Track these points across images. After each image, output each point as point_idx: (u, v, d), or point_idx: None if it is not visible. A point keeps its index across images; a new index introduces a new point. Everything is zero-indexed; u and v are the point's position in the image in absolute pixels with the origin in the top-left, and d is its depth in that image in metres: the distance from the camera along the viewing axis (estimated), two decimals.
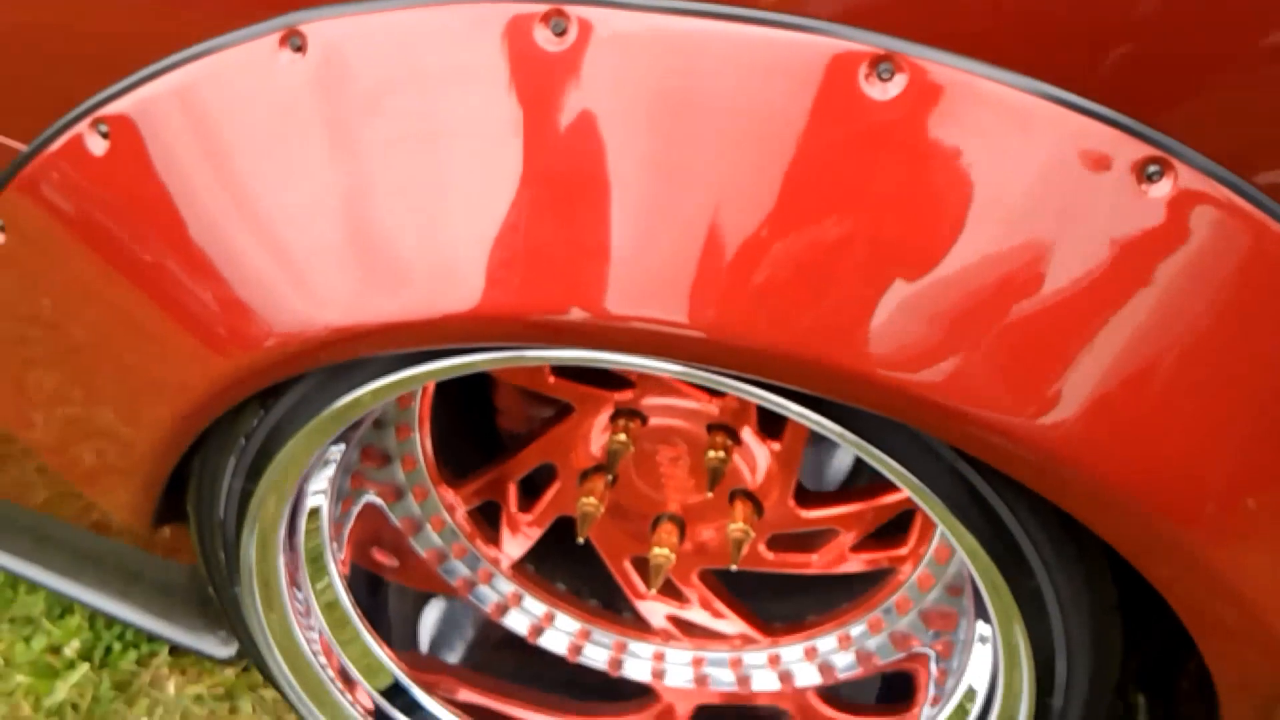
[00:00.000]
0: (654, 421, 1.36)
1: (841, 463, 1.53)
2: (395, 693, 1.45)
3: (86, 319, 1.22)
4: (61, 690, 1.70)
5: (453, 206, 0.97)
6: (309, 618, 1.36)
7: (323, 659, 1.38)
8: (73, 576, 1.73)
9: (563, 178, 0.93)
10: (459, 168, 0.97)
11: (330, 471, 1.33)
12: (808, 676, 1.54)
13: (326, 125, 1.03)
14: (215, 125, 1.08)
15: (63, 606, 1.81)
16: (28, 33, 1.15)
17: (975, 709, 1.26)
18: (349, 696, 1.41)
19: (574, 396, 1.35)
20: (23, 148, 1.20)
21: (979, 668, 1.27)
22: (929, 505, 1.05)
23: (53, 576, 1.74)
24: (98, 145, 1.14)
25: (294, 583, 1.33)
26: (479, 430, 1.53)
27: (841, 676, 1.47)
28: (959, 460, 1.03)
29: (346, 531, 1.39)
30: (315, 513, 1.34)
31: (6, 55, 1.17)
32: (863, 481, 1.50)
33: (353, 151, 1.03)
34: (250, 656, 1.42)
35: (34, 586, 1.83)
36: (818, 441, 1.45)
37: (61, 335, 1.25)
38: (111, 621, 1.79)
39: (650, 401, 1.35)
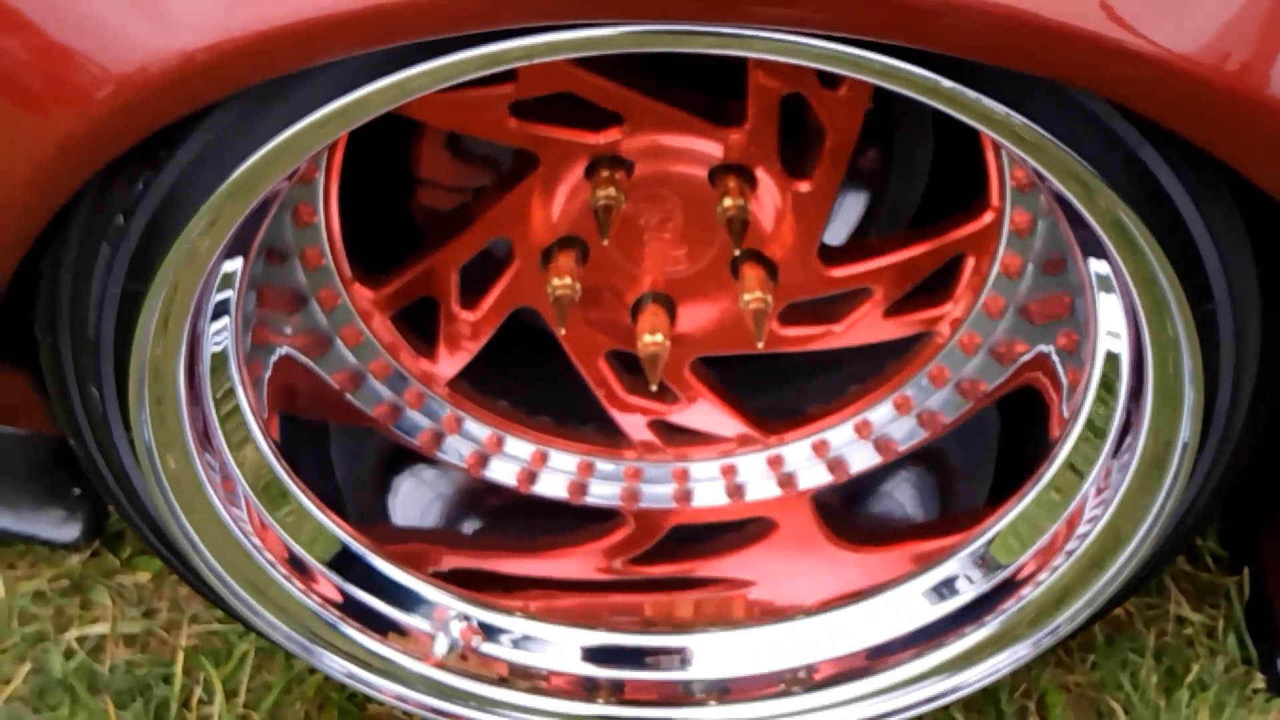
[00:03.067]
0: (642, 170, 1.09)
1: (851, 212, 1.28)
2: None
3: None
4: None
5: None
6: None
7: (256, 539, 1.06)
8: None
9: None
10: None
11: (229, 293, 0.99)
12: (814, 477, 1.30)
13: None
14: None
15: None
16: None
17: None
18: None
19: (541, 142, 1.05)
20: None
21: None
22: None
23: None
24: None
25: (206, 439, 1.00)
26: (395, 214, 1.21)
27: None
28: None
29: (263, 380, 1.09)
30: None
31: None
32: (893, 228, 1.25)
33: None
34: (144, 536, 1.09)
35: None
36: None
37: None
38: None
39: (639, 142, 1.07)
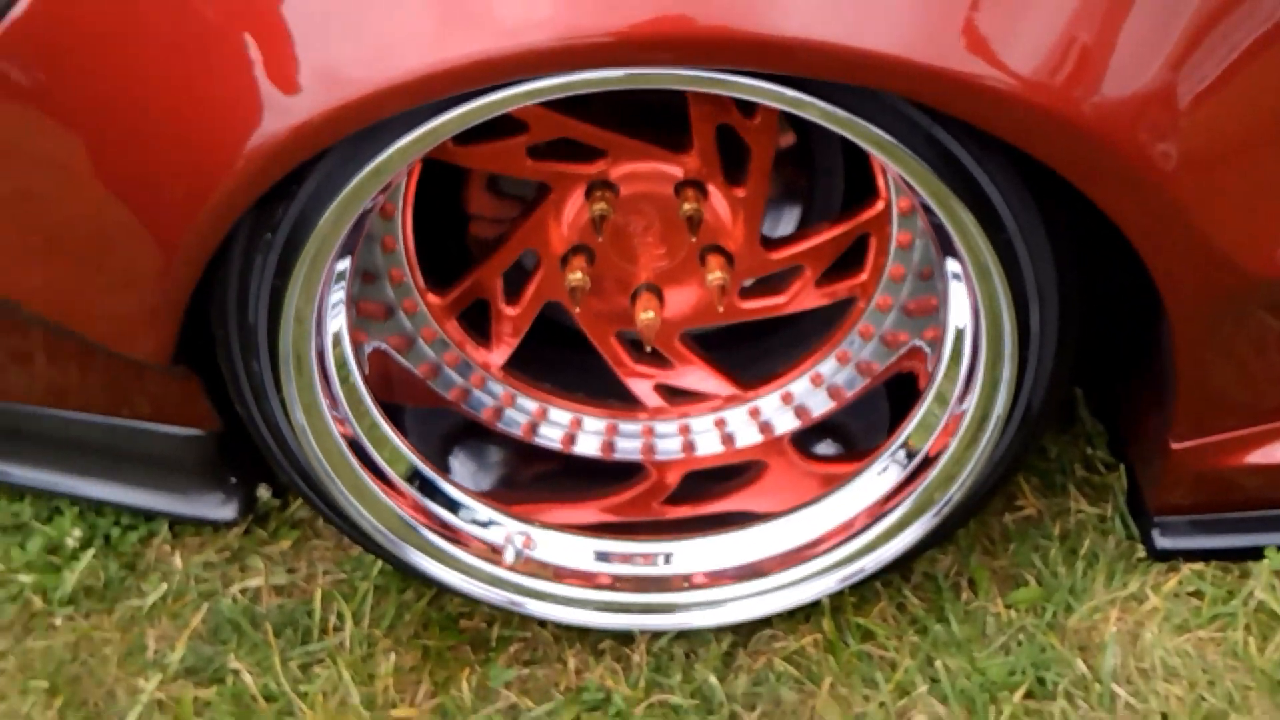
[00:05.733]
0: (625, 191, 1.47)
1: (790, 215, 1.67)
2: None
3: (83, 156, 1.27)
4: (70, 580, 1.73)
5: None
6: (338, 409, 1.44)
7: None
8: (54, 469, 1.78)
9: None
10: None
11: (341, 293, 1.41)
12: (785, 422, 1.67)
13: None
14: None
15: (50, 509, 1.83)
16: None
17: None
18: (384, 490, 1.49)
19: (550, 175, 1.45)
20: None
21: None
22: (911, 173, 1.20)
23: (35, 473, 1.78)
24: None
25: (325, 375, 1.41)
26: (455, 241, 1.63)
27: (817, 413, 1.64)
28: (935, 125, 1.18)
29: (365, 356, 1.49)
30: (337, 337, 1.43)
31: None
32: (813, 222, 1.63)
33: None
34: (288, 475, 1.48)
35: (17, 494, 1.84)
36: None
37: (60, 181, 1.30)
38: (103, 509, 1.80)
39: (621, 170, 1.46)
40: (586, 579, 1.56)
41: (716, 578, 1.55)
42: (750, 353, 1.70)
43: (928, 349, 1.55)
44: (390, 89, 1.14)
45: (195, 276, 1.30)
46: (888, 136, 1.22)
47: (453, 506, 1.53)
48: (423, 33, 1.13)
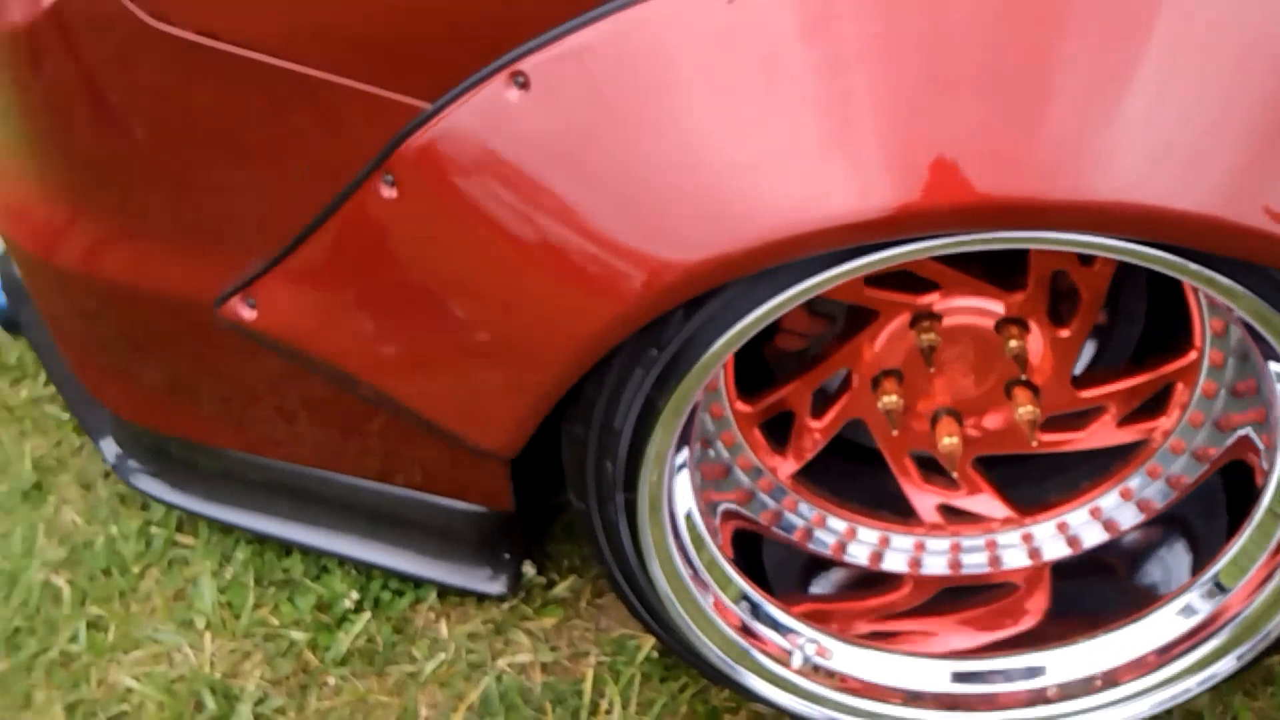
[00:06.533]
0: (948, 322, 1.52)
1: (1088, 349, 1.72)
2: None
3: (488, 260, 1.34)
4: (344, 641, 1.80)
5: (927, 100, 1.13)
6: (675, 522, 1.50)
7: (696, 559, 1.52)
8: (332, 530, 1.85)
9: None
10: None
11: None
12: (1056, 550, 1.72)
13: (776, 55, 1.18)
14: (649, 68, 1.22)
15: (318, 567, 1.90)
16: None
17: None
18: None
19: (884, 303, 1.51)
20: (424, 105, 1.32)
21: None
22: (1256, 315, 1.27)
23: (313, 532, 1.85)
24: (513, 95, 1.27)
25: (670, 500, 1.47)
26: (763, 350, 1.69)
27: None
28: None
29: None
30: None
31: (411, 20, 1.28)
32: (1118, 361, 1.68)
33: (783, 77, 1.18)
34: (616, 575, 1.54)
35: (285, 549, 1.92)
36: None
37: (453, 280, 1.37)
38: (372, 571, 1.87)
39: (950, 303, 1.51)
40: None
41: None
42: (1031, 478, 1.73)
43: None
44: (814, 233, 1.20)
45: (570, 385, 1.36)
46: (1246, 290, 1.25)
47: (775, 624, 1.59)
48: (842, 185, 1.19)
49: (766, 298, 1.27)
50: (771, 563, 1.71)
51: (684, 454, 1.50)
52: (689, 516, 1.54)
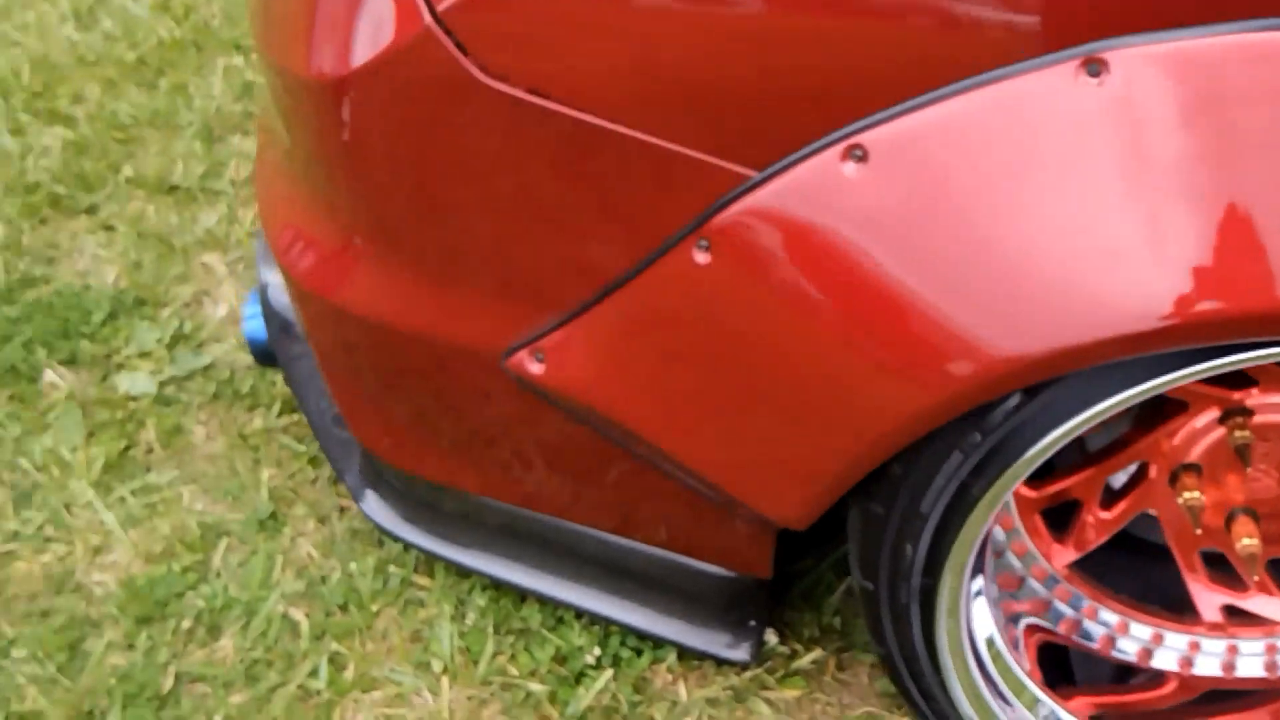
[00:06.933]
0: (1260, 418, 1.45)
1: None
2: None
3: (805, 334, 1.30)
4: (585, 697, 1.77)
5: None
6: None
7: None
8: (576, 582, 1.82)
9: None
10: None
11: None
12: None
13: (1130, 149, 1.13)
14: (1001, 150, 1.17)
15: (555, 617, 1.88)
16: (763, 68, 1.24)
17: None
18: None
19: (1197, 396, 1.44)
20: (749, 173, 1.29)
21: None
22: None
23: (557, 584, 1.83)
24: (848, 169, 1.23)
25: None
26: None
27: None
28: None
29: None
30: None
31: (747, 88, 1.25)
32: None
33: (1148, 169, 1.13)
34: (900, 661, 1.49)
35: (521, 598, 1.90)
36: None
37: (765, 351, 1.34)
38: (610, 627, 1.84)
39: (1264, 399, 1.44)
40: None
41: None
42: None
43: None
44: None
45: (880, 463, 1.32)
46: None
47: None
48: (1226, 277, 1.13)
49: (1113, 391, 1.22)
50: None
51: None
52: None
